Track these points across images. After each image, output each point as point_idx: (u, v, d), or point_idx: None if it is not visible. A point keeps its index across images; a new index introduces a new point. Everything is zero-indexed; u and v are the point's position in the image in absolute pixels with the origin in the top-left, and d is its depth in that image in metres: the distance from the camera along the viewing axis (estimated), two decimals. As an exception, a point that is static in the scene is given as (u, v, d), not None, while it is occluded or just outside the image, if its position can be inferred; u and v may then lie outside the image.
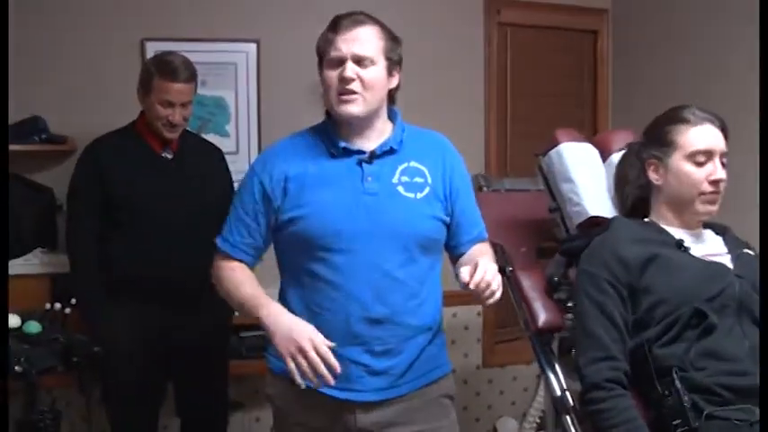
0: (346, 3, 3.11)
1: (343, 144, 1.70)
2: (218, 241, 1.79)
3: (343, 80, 1.63)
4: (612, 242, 1.76)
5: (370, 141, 1.72)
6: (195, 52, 2.58)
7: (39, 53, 2.87)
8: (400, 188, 1.70)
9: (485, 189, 2.46)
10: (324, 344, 1.52)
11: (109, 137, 2.53)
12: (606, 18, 3.68)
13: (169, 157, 2.50)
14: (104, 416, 2.55)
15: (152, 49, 2.90)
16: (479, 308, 3.56)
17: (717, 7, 3.01)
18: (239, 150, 2.99)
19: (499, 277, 1.55)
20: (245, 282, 1.73)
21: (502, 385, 3.68)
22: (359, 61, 1.64)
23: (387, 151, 1.72)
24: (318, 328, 1.60)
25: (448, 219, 1.76)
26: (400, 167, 1.72)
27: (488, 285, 1.51)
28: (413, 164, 1.73)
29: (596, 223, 1.97)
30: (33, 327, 2.40)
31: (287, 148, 1.77)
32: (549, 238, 2.28)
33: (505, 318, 3.68)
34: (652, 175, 1.83)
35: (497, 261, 2.03)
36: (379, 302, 1.66)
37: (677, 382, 1.60)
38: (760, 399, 1.45)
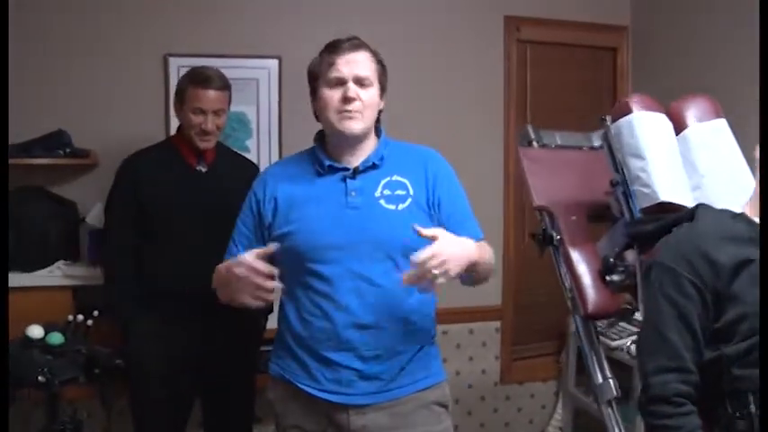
0: (367, 20, 3.19)
1: (328, 162, 1.83)
2: (226, 255, 1.91)
3: (347, 100, 1.75)
4: (700, 238, 1.52)
5: (356, 158, 1.83)
6: (218, 68, 2.60)
7: (63, 68, 2.93)
8: (382, 201, 1.80)
9: (534, 144, 2.29)
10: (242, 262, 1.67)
11: (146, 151, 2.58)
12: (626, 35, 3.68)
13: (203, 170, 2.52)
14: (125, 428, 2.57)
15: (175, 64, 2.94)
16: (497, 324, 3.57)
17: (737, 23, 2.99)
18: (261, 165, 2.98)
19: (452, 264, 1.58)
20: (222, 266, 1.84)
21: (520, 402, 3.67)
22: (359, 82, 1.76)
23: (369, 167, 1.83)
24: (311, 335, 1.79)
25: (433, 226, 1.79)
26: (383, 181, 1.82)
27: (431, 269, 1.55)
28: (395, 177, 1.84)
29: (665, 210, 1.81)
30: (56, 338, 2.42)
31: (278, 170, 1.94)
32: (602, 206, 2.11)
33: (523, 335, 3.68)
34: None
35: (546, 228, 2.10)
36: (365, 310, 1.76)
37: (752, 407, 1.43)
38: (760, 398, 1.40)
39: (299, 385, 1.82)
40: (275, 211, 1.83)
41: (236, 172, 2.61)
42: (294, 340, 1.83)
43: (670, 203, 1.80)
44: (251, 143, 3.12)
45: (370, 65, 1.79)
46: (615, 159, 1.97)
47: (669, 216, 1.73)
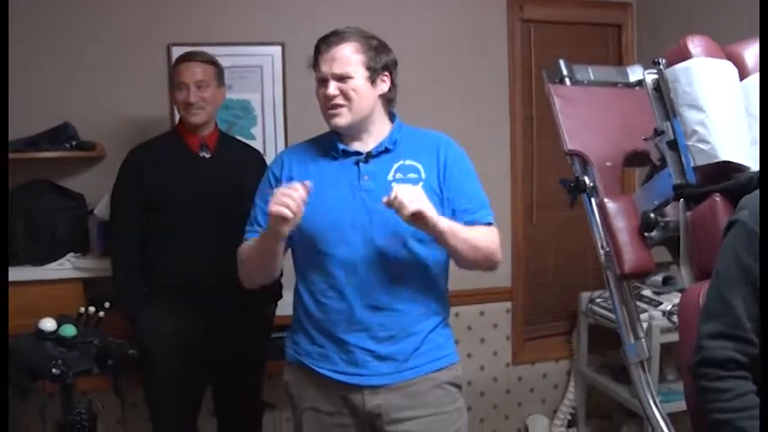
0: (369, 6, 3.17)
1: (342, 147, 1.86)
2: (245, 235, 1.93)
3: (327, 97, 1.81)
4: None
5: (368, 143, 1.87)
6: (221, 56, 2.59)
7: (67, 60, 2.92)
8: (394, 185, 1.79)
9: (567, 81, 2.15)
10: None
11: (151, 141, 2.59)
12: (630, 11, 3.65)
13: (206, 156, 2.52)
14: (139, 418, 2.59)
15: (178, 53, 2.91)
16: (508, 305, 3.57)
17: (741, -2, 2.97)
18: (266, 153, 2.99)
19: (409, 196, 1.64)
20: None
21: (532, 383, 3.67)
22: (338, 78, 1.80)
23: (382, 151, 1.86)
24: (325, 316, 1.83)
25: (443, 211, 1.84)
26: (395, 165, 1.86)
27: (400, 202, 1.63)
28: (408, 162, 1.87)
29: (723, 169, 1.65)
30: (69, 330, 2.43)
31: (295, 153, 1.97)
32: (639, 152, 2.01)
33: (534, 315, 3.68)
34: None
35: (578, 173, 2.04)
36: (379, 291, 1.80)
37: None
38: (760, 398, 1.38)
39: (315, 368, 1.86)
40: None
41: (241, 159, 2.62)
42: (309, 322, 1.86)
43: (731, 163, 1.65)
44: (256, 131, 3.11)
45: (351, 57, 1.80)
46: (665, 107, 1.78)
47: (732, 181, 1.60)
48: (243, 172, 2.57)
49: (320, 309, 1.83)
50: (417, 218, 1.66)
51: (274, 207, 1.65)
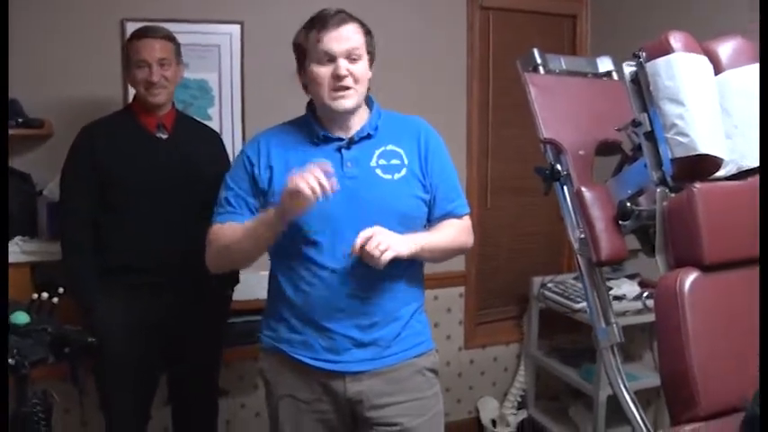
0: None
1: (323, 133, 1.81)
2: (215, 218, 1.86)
3: (338, 77, 1.74)
4: None
5: (350, 129, 1.83)
6: (177, 33, 2.50)
7: (14, 33, 2.75)
8: (378, 171, 1.81)
9: (540, 69, 2.17)
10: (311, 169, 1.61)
11: (103, 119, 2.47)
12: (586, 3, 3.72)
13: (164, 137, 2.44)
14: (95, 406, 2.51)
15: (133, 29, 2.78)
16: (461, 290, 3.61)
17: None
18: (222, 134, 2.91)
19: (393, 242, 1.65)
20: (243, 223, 1.80)
21: (483, 366, 3.73)
22: (349, 57, 1.75)
23: (364, 137, 1.83)
24: (308, 304, 1.79)
25: (427, 196, 1.87)
26: (377, 151, 1.83)
27: (369, 254, 1.63)
28: (389, 147, 1.84)
29: (701, 162, 1.71)
30: (21, 317, 2.30)
31: (273, 137, 1.88)
32: (610, 141, 2.05)
33: (486, 300, 3.73)
34: None
35: (552, 161, 2.05)
36: (363, 278, 1.77)
37: None
38: (760, 397, 1.45)
39: (294, 355, 1.83)
40: (271, 179, 1.81)
41: (198, 140, 2.56)
42: (289, 310, 1.83)
43: (710, 156, 1.71)
44: (213, 111, 3.03)
45: (359, 38, 1.77)
46: (643, 99, 1.81)
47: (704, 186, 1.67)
48: (201, 153, 2.52)
49: (302, 296, 1.81)
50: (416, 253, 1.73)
51: (295, 185, 1.58)
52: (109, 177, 2.37)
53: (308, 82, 1.79)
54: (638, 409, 1.86)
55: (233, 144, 2.98)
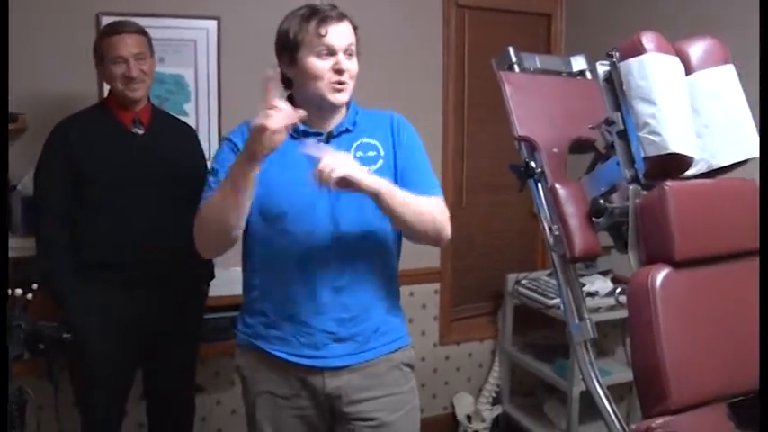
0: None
1: (302, 127, 1.80)
2: (204, 201, 1.80)
3: (340, 72, 1.74)
4: None
5: (329, 124, 1.84)
6: (153, 28, 2.49)
7: (-14, 27, 2.74)
8: (356, 163, 1.78)
9: (516, 68, 2.21)
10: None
11: (78, 114, 2.45)
12: (561, 2, 3.76)
13: (140, 132, 2.43)
14: (70, 403, 2.50)
15: (107, 23, 2.80)
16: (437, 286, 3.63)
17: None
18: (199, 130, 2.91)
19: (332, 164, 1.60)
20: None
21: (458, 362, 3.76)
22: (348, 53, 1.77)
23: (342, 131, 1.84)
24: (286, 299, 1.79)
25: (402, 187, 1.84)
26: (355, 144, 1.84)
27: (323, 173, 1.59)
28: (365, 140, 1.86)
29: (672, 161, 1.75)
30: (-6, 314, 2.30)
31: None
32: (583, 139, 2.08)
33: (461, 296, 3.76)
34: None
35: (526, 159, 2.07)
36: (341, 271, 1.78)
37: None
38: (760, 397, 1.48)
39: (272, 351, 1.83)
40: None
41: (175, 135, 2.55)
42: (266, 305, 1.83)
43: (680, 155, 1.74)
44: (189, 107, 3.02)
45: (353, 34, 1.79)
46: (616, 98, 1.85)
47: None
48: (177, 149, 2.51)
49: (280, 291, 1.81)
50: (346, 182, 1.63)
51: (262, 119, 1.55)
52: (84, 173, 2.35)
53: (301, 75, 1.77)
54: (610, 404, 1.89)
55: (209, 139, 2.98)
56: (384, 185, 1.70)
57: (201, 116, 3.04)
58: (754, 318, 1.77)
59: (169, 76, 2.94)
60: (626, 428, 1.77)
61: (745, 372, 1.72)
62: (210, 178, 1.84)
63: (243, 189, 1.66)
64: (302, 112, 1.63)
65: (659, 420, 1.59)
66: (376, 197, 1.69)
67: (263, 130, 1.56)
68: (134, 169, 2.38)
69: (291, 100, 1.85)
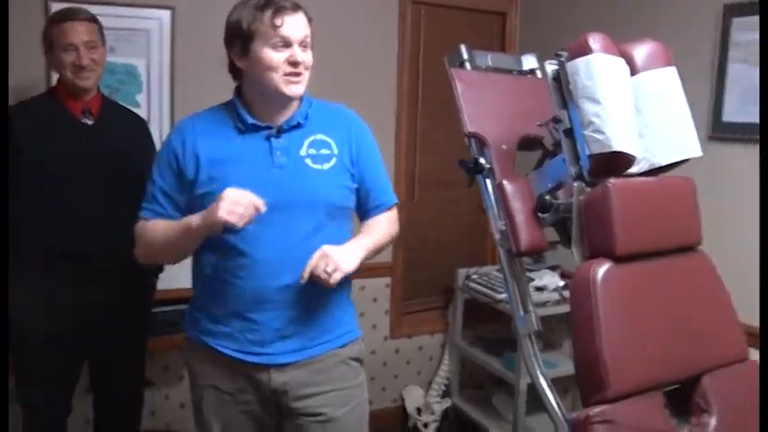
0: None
1: (251, 121, 1.79)
2: (143, 213, 1.84)
3: (295, 63, 1.73)
4: None
5: (280, 117, 1.81)
6: (104, 16, 2.46)
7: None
8: (308, 160, 1.80)
9: (467, 65, 2.22)
10: (235, 191, 1.64)
11: (25, 103, 2.41)
12: (515, 1, 3.81)
13: (89, 122, 2.40)
14: (13, 398, 2.46)
15: (57, 9, 2.75)
16: (388, 280, 3.66)
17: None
18: (150, 121, 2.88)
19: (341, 262, 1.68)
20: (167, 222, 1.80)
21: (408, 355, 3.80)
22: (303, 45, 1.75)
23: (294, 126, 1.82)
24: (234, 295, 1.78)
25: (356, 186, 1.88)
26: (307, 140, 1.82)
27: (319, 277, 1.67)
28: (319, 136, 1.84)
29: (615, 159, 1.78)
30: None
31: (197, 125, 1.84)
32: (532, 136, 2.12)
33: (412, 290, 3.79)
34: None
35: (476, 155, 2.10)
36: (289, 270, 1.75)
37: None
38: (760, 397, 1.51)
39: (218, 348, 1.82)
40: (197, 169, 1.77)
41: (125, 126, 2.53)
42: (213, 302, 1.82)
43: (624, 153, 1.78)
44: (141, 98, 2.98)
45: (308, 26, 1.77)
46: (563, 96, 1.87)
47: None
48: (127, 140, 2.49)
49: (228, 288, 1.79)
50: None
51: (227, 216, 1.61)
52: (32, 164, 2.31)
53: (253, 66, 1.74)
54: (552, 393, 1.93)
55: (161, 131, 2.95)
56: (363, 253, 1.78)
57: (154, 107, 3.01)
58: (691, 310, 1.86)
59: (121, 66, 2.91)
60: (567, 417, 1.82)
61: (681, 362, 1.79)
62: (150, 187, 1.84)
63: (197, 243, 1.76)
64: (262, 209, 1.66)
65: (597, 409, 1.64)
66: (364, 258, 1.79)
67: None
68: (82, 160, 2.35)
69: (240, 91, 1.84)
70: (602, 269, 1.74)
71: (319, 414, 1.85)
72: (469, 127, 2.11)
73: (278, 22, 1.70)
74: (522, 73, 2.35)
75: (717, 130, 2.72)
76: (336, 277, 1.67)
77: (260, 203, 1.64)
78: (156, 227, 1.80)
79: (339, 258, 1.68)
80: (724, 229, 2.60)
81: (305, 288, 1.79)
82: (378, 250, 1.90)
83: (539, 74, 2.38)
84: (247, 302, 1.78)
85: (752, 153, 2.62)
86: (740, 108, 2.65)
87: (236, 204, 1.62)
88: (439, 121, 3.62)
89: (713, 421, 1.76)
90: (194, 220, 1.70)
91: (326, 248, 1.69)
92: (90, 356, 2.54)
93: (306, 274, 1.68)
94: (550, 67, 1.91)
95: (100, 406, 2.63)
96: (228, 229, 1.66)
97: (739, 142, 2.67)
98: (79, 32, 2.31)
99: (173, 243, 1.78)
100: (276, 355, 1.80)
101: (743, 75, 2.63)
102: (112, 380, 2.57)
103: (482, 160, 2.10)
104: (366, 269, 3.32)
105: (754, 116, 2.59)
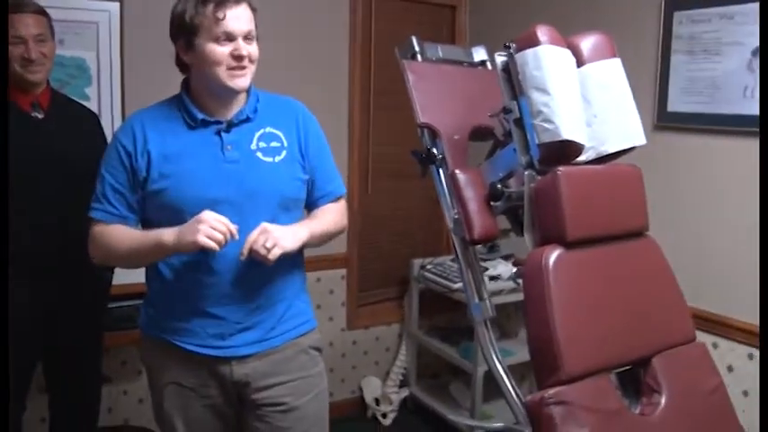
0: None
1: (201, 116, 1.78)
2: (94, 213, 1.82)
3: (240, 57, 1.72)
4: None
5: (229, 111, 1.81)
6: (53, 8, 2.41)
7: None
8: (259, 154, 1.81)
9: (418, 57, 2.25)
10: (213, 215, 1.65)
11: None
12: (464, -6, 3.85)
13: (39, 116, 2.36)
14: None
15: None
16: (344, 272, 3.68)
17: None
18: (101, 115, 2.84)
19: (281, 240, 1.69)
20: (131, 231, 1.79)
21: (365, 346, 3.83)
22: (247, 38, 1.74)
23: (243, 120, 1.82)
24: (192, 291, 1.78)
25: (306, 177, 1.89)
26: (257, 134, 1.82)
27: (258, 252, 1.68)
28: (268, 129, 1.84)
29: (564, 147, 1.83)
30: None
31: (146, 121, 1.82)
32: (483, 127, 2.15)
33: (368, 281, 3.82)
34: None
35: (428, 145, 2.12)
36: (246, 262, 1.74)
37: None
38: (760, 397, 1.56)
39: (178, 343, 1.81)
40: (149, 166, 1.75)
41: (76, 120, 2.48)
42: (171, 298, 1.81)
43: (572, 142, 1.82)
44: (90, 91, 2.94)
45: (252, 18, 1.76)
46: (513, 87, 1.91)
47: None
48: (78, 134, 2.45)
49: (186, 283, 1.78)
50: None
51: (206, 241, 1.61)
52: None
53: (198, 60, 1.73)
54: (509, 379, 1.98)
55: (112, 124, 2.91)
56: (307, 234, 1.79)
57: (104, 101, 2.97)
58: (640, 293, 1.92)
59: (69, 59, 2.86)
60: (523, 400, 1.86)
61: (631, 343, 1.85)
62: (99, 186, 1.81)
63: (166, 257, 1.76)
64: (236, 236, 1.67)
65: (552, 391, 1.69)
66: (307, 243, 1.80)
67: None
68: (32, 154, 2.31)
69: (187, 84, 1.83)
70: (554, 255, 1.78)
71: (281, 404, 1.86)
72: (422, 117, 2.14)
73: (220, 15, 1.68)
74: (472, 65, 2.39)
75: (662, 119, 2.80)
76: (275, 253, 1.67)
77: (234, 229, 1.66)
78: (120, 234, 1.77)
79: (279, 235, 1.69)
80: (670, 216, 2.69)
81: (263, 280, 1.81)
82: (323, 237, 1.91)
83: (488, 65, 2.42)
84: (206, 298, 1.78)
85: (695, 141, 2.72)
86: (683, 98, 2.74)
87: (214, 230, 1.62)
88: (392, 112, 3.64)
89: (663, 400, 1.82)
90: (167, 237, 1.68)
91: (266, 225, 1.70)
92: (45, 354, 2.50)
93: (245, 250, 1.68)
94: (500, 58, 1.95)
95: (56, 404, 2.59)
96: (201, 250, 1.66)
97: (683, 131, 2.76)
98: (28, 25, 2.27)
99: (140, 254, 1.76)
100: (237, 347, 1.81)
101: (685, 66, 2.72)
102: (68, 377, 2.54)
103: (434, 150, 2.13)
104: (322, 260, 3.44)
105: (696, 106, 2.69)
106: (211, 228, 1.62)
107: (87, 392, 2.61)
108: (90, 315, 2.53)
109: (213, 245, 1.62)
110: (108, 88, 2.97)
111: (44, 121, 2.37)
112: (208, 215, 1.64)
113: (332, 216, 1.95)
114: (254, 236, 1.68)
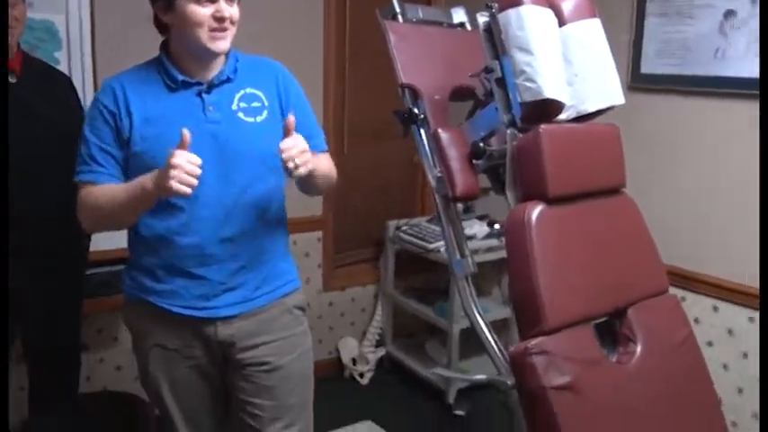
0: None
1: (181, 77, 1.77)
2: (81, 176, 1.79)
3: (221, 19, 1.70)
4: None
5: (209, 72, 1.80)
6: (19, -31, 2.37)
7: None
8: (240, 114, 1.80)
9: (399, 18, 2.28)
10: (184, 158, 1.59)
11: None
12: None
13: (12, 81, 2.32)
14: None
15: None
16: (319, 234, 3.70)
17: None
18: (72, 79, 2.79)
19: (307, 156, 1.67)
20: (118, 185, 1.75)
21: (342, 307, 3.87)
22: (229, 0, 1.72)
23: (224, 81, 1.81)
24: (175, 253, 1.77)
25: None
26: (238, 95, 1.82)
27: (291, 158, 1.64)
28: (249, 90, 1.84)
29: (546, 106, 1.87)
30: None
31: (126, 83, 1.79)
32: (464, 86, 2.18)
33: (343, 243, 3.85)
34: None
35: (410, 105, 2.15)
36: (230, 223, 1.78)
37: None
38: (760, 398, 1.61)
39: (163, 306, 1.81)
40: (131, 128, 1.74)
41: (50, 83, 2.44)
42: (154, 260, 1.81)
43: (554, 101, 1.86)
44: (61, 55, 2.87)
45: None
46: (495, 47, 1.94)
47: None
48: (53, 98, 2.41)
49: (168, 246, 1.78)
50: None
51: (179, 187, 1.56)
52: None
53: (179, 21, 1.71)
54: (490, 332, 2.04)
55: (83, 89, 2.86)
56: (313, 166, 1.73)
57: (75, 65, 2.90)
58: (617, 247, 1.98)
59: (39, 22, 2.79)
60: (504, 353, 1.92)
61: (609, 294, 1.92)
62: (84, 149, 1.78)
63: (150, 206, 1.71)
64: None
65: (534, 341, 1.75)
66: (309, 175, 1.74)
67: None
68: (8, 120, 2.28)
69: (167, 46, 1.81)
70: (536, 210, 1.83)
71: (266, 363, 1.88)
72: (403, 78, 2.16)
73: None
74: (451, 26, 2.41)
75: (636, 80, 2.86)
76: (300, 172, 1.66)
77: (198, 162, 1.61)
78: (107, 190, 1.74)
79: (310, 157, 1.68)
80: (643, 174, 2.76)
81: (246, 240, 1.81)
82: (321, 179, 1.89)
83: (468, 27, 2.45)
84: (190, 259, 1.78)
85: (668, 102, 2.79)
86: (657, 60, 2.80)
87: (187, 174, 1.57)
88: (368, 74, 3.64)
89: (638, 349, 1.90)
90: (147, 182, 1.65)
91: (300, 140, 1.68)
92: (24, 323, 2.48)
93: (285, 150, 1.65)
94: (482, 18, 1.98)
95: (35, 373, 2.57)
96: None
97: (656, 92, 2.82)
98: None
99: (129, 207, 1.71)
100: (222, 308, 1.82)
101: (659, 29, 2.78)
102: (46, 347, 2.52)
103: (416, 110, 2.16)
104: (297, 223, 3.44)
105: (670, 67, 2.76)
106: (185, 173, 1.57)
107: (67, 361, 2.60)
108: (67, 282, 2.52)
109: (186, 190, 1.58)
110: (78, 52, 2.90)
111: (17, 85, 2.33)
112: (179, 159, 1.57)
113: (327, 161, 1.95)
114: (297, 144, 1.66)
